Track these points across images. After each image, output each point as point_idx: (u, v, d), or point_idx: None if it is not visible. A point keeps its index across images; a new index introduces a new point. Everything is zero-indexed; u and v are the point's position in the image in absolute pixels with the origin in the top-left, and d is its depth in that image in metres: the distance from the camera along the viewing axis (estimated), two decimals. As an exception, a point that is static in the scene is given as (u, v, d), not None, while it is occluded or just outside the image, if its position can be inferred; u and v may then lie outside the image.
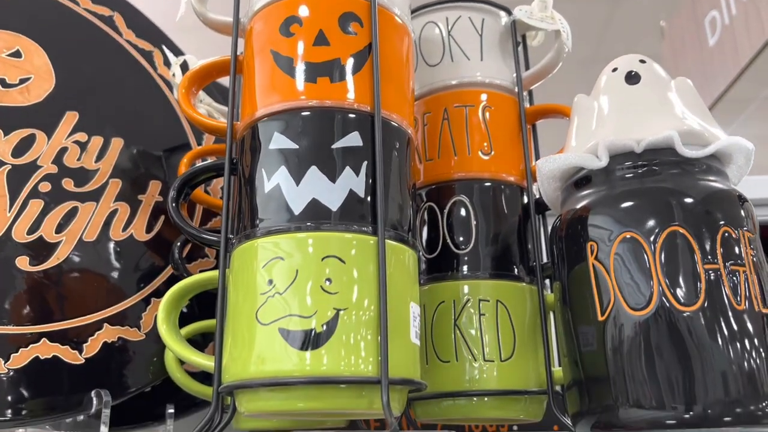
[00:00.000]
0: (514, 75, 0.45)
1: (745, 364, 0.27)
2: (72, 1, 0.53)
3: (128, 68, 0.54)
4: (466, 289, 0.39)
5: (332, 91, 0.33)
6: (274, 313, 0.29)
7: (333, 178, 0.31)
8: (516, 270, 0.41)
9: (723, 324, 0.28)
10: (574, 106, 0.37)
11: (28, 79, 0.47)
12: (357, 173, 0.32)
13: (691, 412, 0.27)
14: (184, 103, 0.38)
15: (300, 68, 0.33)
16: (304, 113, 0.33)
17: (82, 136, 0.47)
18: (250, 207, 0.33)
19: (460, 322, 0.39)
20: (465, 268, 0.40)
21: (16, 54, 0.47)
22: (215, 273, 0.35)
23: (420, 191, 0.43)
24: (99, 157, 0.47)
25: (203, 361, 0.33)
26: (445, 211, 0.41)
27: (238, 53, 0.37)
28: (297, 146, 0.32)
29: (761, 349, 0.28)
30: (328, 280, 0.30)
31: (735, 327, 0.28)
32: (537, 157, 0.46)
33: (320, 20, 0.34)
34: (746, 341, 0.28)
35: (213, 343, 0.34)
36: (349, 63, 0.34)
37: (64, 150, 0.46)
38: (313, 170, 0.31)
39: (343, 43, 0.34)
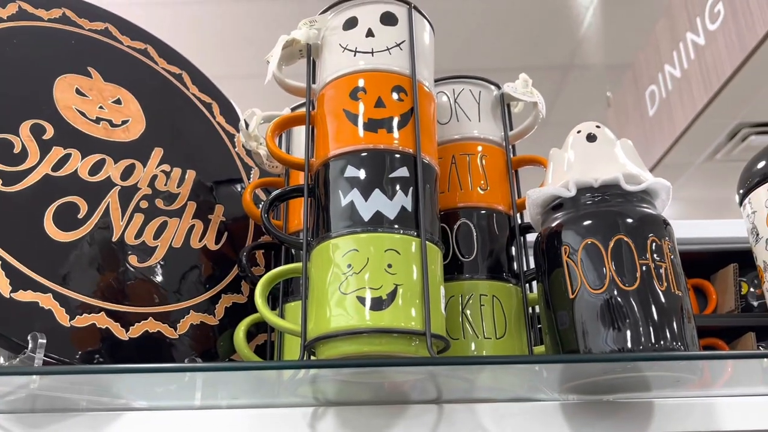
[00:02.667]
0: (502, 133, 0.61)
1: (665, 321, 0.42)
2: (153, 62, 0.67)
3: (194, 115, 0.68)
4: (469, 286, 0.54)
5: (387, 138, 0.48)
6: (353, 286, 0.43)
7: (390, 197, 0.46)
8: (505, 274, 0.55)
9: (651, 297, 0.43)
10: (550, 156, 0.52)
11: (127, 121, 0.60)
12: (406, 194, 0.46)
13: (623, 350, 0.42)
14: (271, 143, 0.51)
15: (364, 122, 0.48)
16: (364, 153, 0.47)
17: (166, 167, 0.60)
18: (326, 218, 0.47)
19: (465, 311, 0.53)
20: (468, 272, 0.55)
21: (118, 101, 0.61)
22: (297, 265, 0.48)
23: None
24: (179, 184, 0.61)
25: (290, 325, 0.47)
26: (454, 229, 0.56)
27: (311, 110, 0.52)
28: (365, 175, 0.46)
29: (673, 313, 0.43)
30: (389, 265, 0.43)
31: (659, 299, 0.43)
32: (519, 194, 0.61)
33: (379, 90, 0.49)
34: (665, 308, 0.43)
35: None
36: (398, 120, 0.48)
37: (155, 177, 0.59)
38: (377, 192, 0.46)
39: (394, 106, 0.49)
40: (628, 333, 0.43)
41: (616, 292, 0.43)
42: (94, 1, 0.65)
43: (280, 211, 0.63)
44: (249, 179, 0.68)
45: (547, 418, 0.49)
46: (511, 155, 0.61)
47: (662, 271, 0.44)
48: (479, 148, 0.59)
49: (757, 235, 0.56)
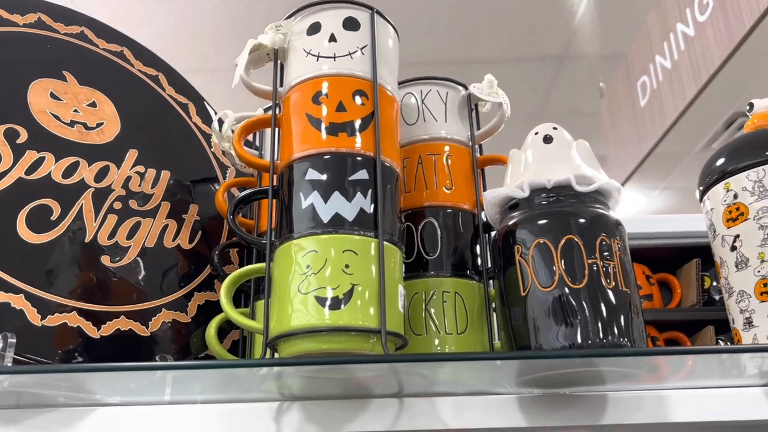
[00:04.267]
0: (469, 133, 0.62)
1: (613, 317, 0.44)
2: (129, 64, 0.68)
3: (170, 116, 0.69)
4: (433, 284, 0.55)
5: (348, 141, 0.49)
6: (311, 286, 0.44)
7: (349, 199, 0.47)
8: (469, 272, 0.57)
9: (599, 295, 0.44)
10: (509, 157, 0.54)
11: (102, 123, 0.62)
12: (365, 197, 0.48)
13: (573, 346, 0.43)
14: (237, 146, 0.53)
15: (325, 126, 0.49)
16: (326, 156, 0.49)
17: (141, 168, 0.62)
18: (289, 219, 0.48)
19: (428, 307, 0.54)
20: (432, 269, 0.56)
21: (93, 104, 0.62)
22: (261, 265, 0.50)
23: (401, 214, 0.59)
24: (154, 185, 0.62)
25: (253, 324, 0.48)
26: (419, 228, 0.57)
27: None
28: (325, 178, 0.48)
29: (620, 310, 0.44)
30: (347, 265, 0.45)
31: (606, 296, 0.44)
32: (485, 193, 0.62)
33: (340, 94, 0.50)
34: (612, 305, 0.44)
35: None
36: (359, 123, 0.50)
37: (129, 178, 0.61)
38: (336, 194, 0.47)
39: (355, 110, 0.50)
40: (578, 329, 0.44)
41: (565, 290, 0.45)
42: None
43: (253, 209, 0.64)
44: (225, 178, 0.70)
45: (504, 411, 0.50)
46: (477, 155, 0.62)
47: (611, 269, 0.46)
48: (446, 148, 0.61)
49: (714, 231, 0.57)
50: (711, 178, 0.59)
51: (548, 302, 0.45)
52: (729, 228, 0.55)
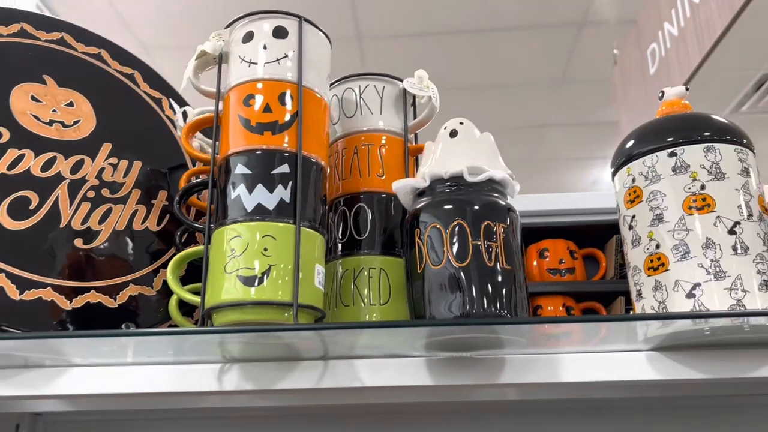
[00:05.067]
0: (403, 125, 0.69)
1: (493, 291, 0.51)
2: (106, 64, 0.76)
3: (144, 111, 0.77)
4: (362, 261, 0.63)
5: (272, 139, 0.56)
6: (234, 267, 0.52)
7: (271, 191, 0.55)
8: (397, 250, 0.64)
9: (481, 272, 0.51)
10: (424, 148, 0.60)
11: (78, 121, 0.70)
12: (285, 188, 0.55)
13: (461, 316, 0.50)
14: (185, 142, 0.61)
15: (252, 126, 0.57)
16: (252, 152, 0.56)
17: (113, 160, 0.70)
18: (223, 208, 0.56)
19: (357, 282, 0.62)
20: (364, 248, 0.63)
21: (70, 104, 0.70)
22: (200, 248, 0.58)
23: (339, 199, 0.66)
24: (125, 174, 0.70)
25: (193, 297, 0.57)
26: (352, 212, 0.65)
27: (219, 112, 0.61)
28: (251, 172, 0.55)
29: (501, 285, 0.51)
30: (266, 248, 0.53)
31: (487, 274, 0.51)
32: (417, 178, 0.69)
33: (267, 97, 0.57)
34: (494, 281, 0.51)
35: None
36: (283, 123, 0.57)
37: (102, 169, 0.69)
38: (259, 186, 0.55)
39: (280, 111, 0.57)
40: (463, 302, 0.51)
41: (452, 268, 0.52)
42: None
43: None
44: (195, 165, 0.78)
45: (414, 371, 0.58)
46: (409, 144, 0.69)
47: (493, 250, 0.52)
48: (382, 140, 0.67)
49: (619, 211, 0.63)
50: (619, 161, 0.64)
51: (439, 278, 0.52)
52: (628, 209, 0.61)
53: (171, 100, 0.79)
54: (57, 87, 0.70)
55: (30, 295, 0.59)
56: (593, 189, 4.94)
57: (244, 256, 0.52)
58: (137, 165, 0.72)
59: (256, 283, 0.52)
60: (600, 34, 3.19)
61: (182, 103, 0.80)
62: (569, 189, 4.90)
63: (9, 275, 0.58)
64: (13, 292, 0.58)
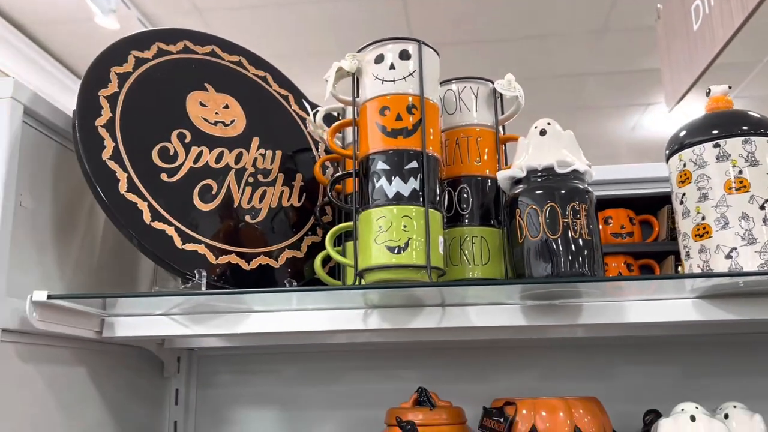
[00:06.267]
0: (494, 119, 0.85)
1: (579, 255, 0.69)
2: (244, 69, 0.94)
3: (277, 107, 0.95)
4: (466, 231, 0.81)
5: (404, 142, 0.74)
6: (383, 239, 0.71)
7: (405, 182, 0.72)
8: (492, 221, 0.81)
9: (570, 242, 0.69)
10: (518, 144, 0.77)
11: (234, 120, 0.88)
12: (415, 179, 0.73)
13: (553, 275, 0.68)
14: (330, 142, 0.78)
15: (388, 131, 0.74)
16: (388, 152, 0.74)
17: (262, 151, 0.89)
18: (367, 194, 0.74)
19: (462, 247, 0.80)
20: (466, 221, 0.81)
21: (226, 107, 0.89)
22: (349, 224, 0.76)
23: (444, 182, 0.84)
24: (272, 162, 0.89)
25: (346, 260, 0.76)
26: (456, 192, 0.82)
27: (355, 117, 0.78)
28: (389, 167, 0.73)
29: (584, 250, 0.69)
30: (405, 226, 0.71)
31: (574, 242, 0.69)
32: (506, 164, 0.86)
33: (398, 108, 0.74)
34: (579, 248, 0.69)
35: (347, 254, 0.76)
36: (411, 129, 0.74)
37: (255, 159, 0.87)
38: (396, 178, 0.72)
39: (408, 119, 0.74)
40: (554, 264, 0.69)
41: (546, 239, 0.70)
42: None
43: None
44: (318, 150, 0.96)
45: (511, 314, 0.77)
46: (500, 135, 0.86)
47: (578, 225, 0.70)
48: (478, 132, 0.84)
49: (672, 188, 0.80)
50: (673, 147, 0.80)
51: (536, 246, 0.70)
52: (680, 188, 0.78)
53: (297, 96, 0.96)
54: (215, 92, 0.88)
55: (222, 260, 0.78)
56: (632, 134, 4.99)
57: (389, 231, 0.71)
58: (279, 153, 0.90)
59: (397, 252, 0.70)
60: (644, -15, 3.23)
61: (302, 97, 0.98)
62: (609, 135, 4.97)
63: (207, 246, 0.78)
64: (211, 257, 0.77)
